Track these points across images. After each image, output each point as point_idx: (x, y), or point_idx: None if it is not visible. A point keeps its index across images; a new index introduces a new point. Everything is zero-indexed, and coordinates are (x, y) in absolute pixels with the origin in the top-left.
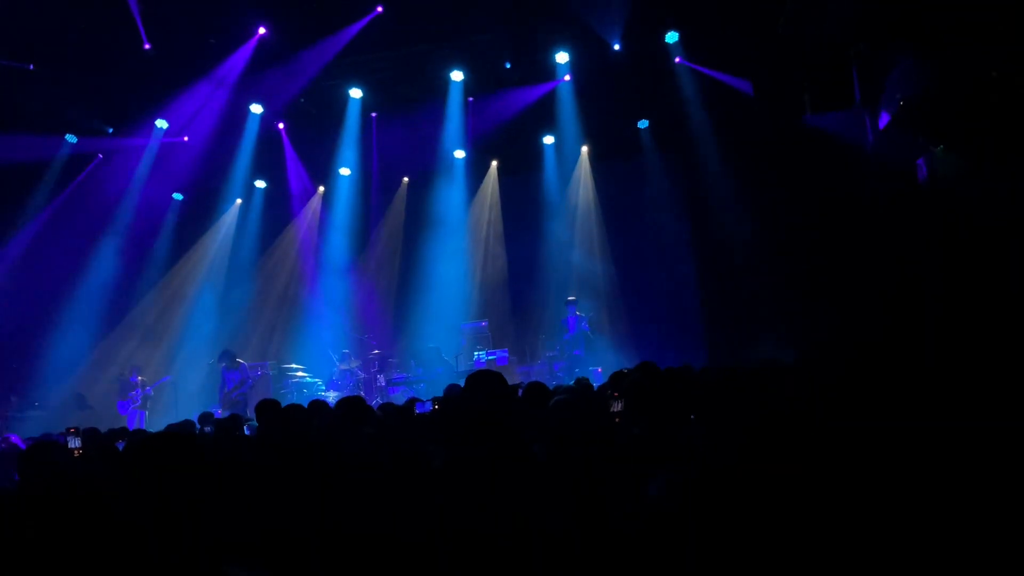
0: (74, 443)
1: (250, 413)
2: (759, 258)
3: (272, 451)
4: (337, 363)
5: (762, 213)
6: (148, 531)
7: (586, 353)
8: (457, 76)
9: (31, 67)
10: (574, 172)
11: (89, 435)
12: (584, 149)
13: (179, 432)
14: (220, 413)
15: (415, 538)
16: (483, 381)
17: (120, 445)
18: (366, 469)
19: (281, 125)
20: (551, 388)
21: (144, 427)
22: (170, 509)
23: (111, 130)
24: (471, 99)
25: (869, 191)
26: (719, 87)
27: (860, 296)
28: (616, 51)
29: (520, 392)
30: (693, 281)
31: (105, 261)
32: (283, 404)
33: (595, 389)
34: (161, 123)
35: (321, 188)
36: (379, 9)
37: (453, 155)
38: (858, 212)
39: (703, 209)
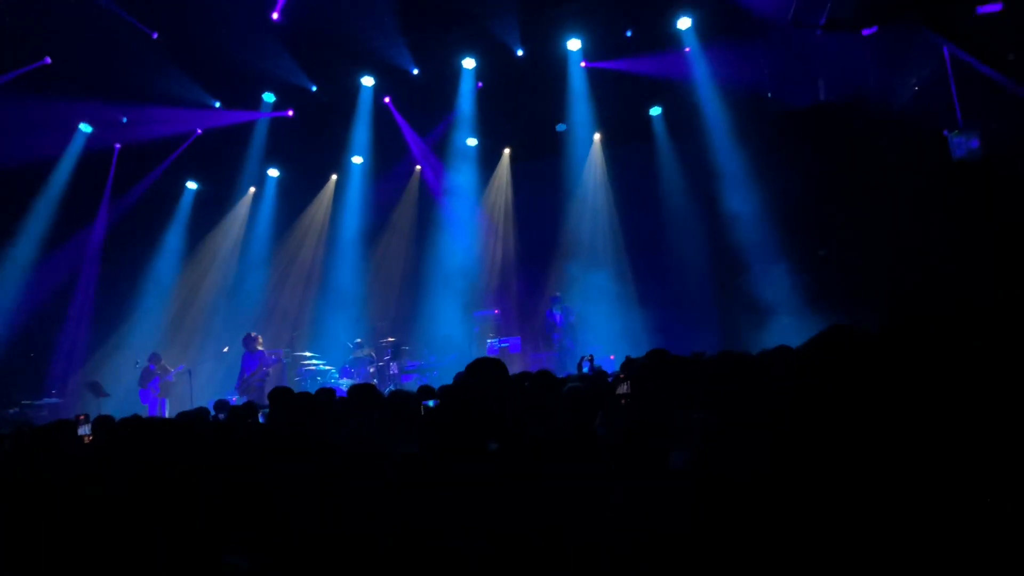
0: (84, 430)
1: (267, 400)
2: (773, 242)
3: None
4: (351, 351)
5: (775, 196)
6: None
7: (575, 344)
8: (469, 63)
9: (48, 60)
10: (587, 159)
11: (101, 422)
12: (596, 136)
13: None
14: (237, 399)
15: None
16: (482, 369)
17: None
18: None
19: (290, 113)
20: (562, 376)
21: (166, 415)
22: (164, 497)
23: (125, 119)
24: (480, 84)
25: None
26: (731, 72)
27: (879, 279)
28: (627, 38)
29: (527, 383)
30: (707, 267)
31: (122, 251)
32: (296, 391)
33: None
34: (177, 112)
35: (334, 176)
36: None
37: (465, 142)
38: (878, 194)
39: (716, 194)
